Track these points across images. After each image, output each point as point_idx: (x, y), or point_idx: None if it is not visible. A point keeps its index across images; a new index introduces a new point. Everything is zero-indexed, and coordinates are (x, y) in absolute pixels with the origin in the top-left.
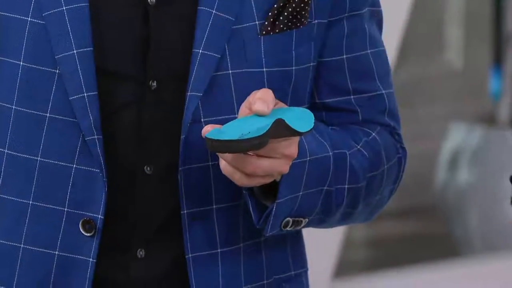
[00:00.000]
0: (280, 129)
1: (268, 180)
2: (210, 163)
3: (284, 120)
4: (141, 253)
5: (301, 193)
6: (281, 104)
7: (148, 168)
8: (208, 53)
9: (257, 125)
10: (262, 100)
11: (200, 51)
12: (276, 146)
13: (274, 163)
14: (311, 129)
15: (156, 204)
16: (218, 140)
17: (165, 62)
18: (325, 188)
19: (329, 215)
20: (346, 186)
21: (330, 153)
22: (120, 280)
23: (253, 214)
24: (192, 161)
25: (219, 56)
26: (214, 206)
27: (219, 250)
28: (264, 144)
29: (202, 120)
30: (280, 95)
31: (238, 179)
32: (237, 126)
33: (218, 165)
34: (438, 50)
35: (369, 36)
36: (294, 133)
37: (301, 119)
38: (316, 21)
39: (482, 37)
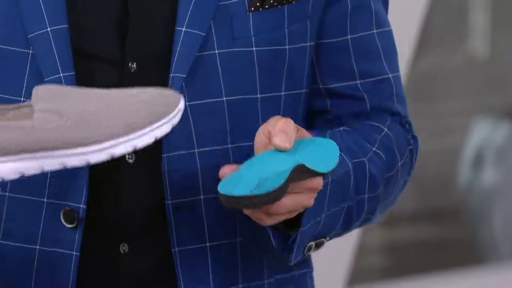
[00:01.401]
0: (301, 174)
1: (292, 215)
2: (196, 150)
3: (305, 165)
4: (124, 247)
5: (323, 215)
6: (303, 133)
7: (129, 156)
8: (192, 31)
9: (277, 167)
10: (283, 133)
11: (183, 29)
12: (299, 182)
13: (298, 199)
14: (335, 168)
15: (140, 195)
16: (233, 196)
17: (145, 41)
18: (347, 203)
19: (349, 228)
20: (366, 196)
21: (350, 167)
22: (105, 277)
23: (274, 244)
24: (176, 147)
25: (204, 34)
26: (202, 197)
27: (208, 244)
28: (283, 193)
29: (186, 103)
30: (274, 77)
31: (260, 219)
32: (255, 168)
33: (205, 152)
34: (460, 38)
35: (375, 15)
36: (317, 174)
37: (325, 153)
38: None
39: (510, 23)
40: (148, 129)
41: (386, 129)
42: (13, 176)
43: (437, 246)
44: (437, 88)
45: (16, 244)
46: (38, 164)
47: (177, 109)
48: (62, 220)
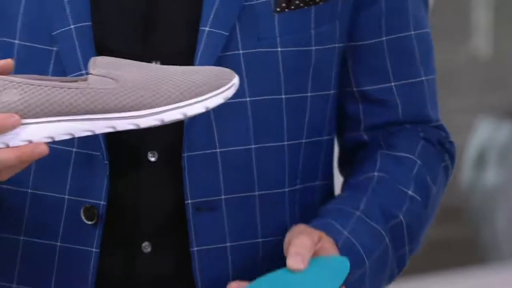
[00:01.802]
0: None
1: None
2: (218, 150)
3: None
4: (146, 247)
5: None
6: (323, 249)
7: (151, 154)
8: (216, 31)
9: None
10: (298, 255)
11: (207, 28)
12: None
13: None
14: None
15: (161, 194)
16: None
17: (169, 40)
18: (387, 268)
19: (395, 277)
20: (407, 248)
21: (386, 238)
22: (125, 275)
23: None
24: (197, 147)
25: (227, 34)
26: (222, 197)
27: (228, 244)
28: None
29: None
30: (299, 77)
31: None
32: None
33: (227, 152)
34: (463, 37)
35: (413, 16)
36: None
37: (334, 272)
38: None
39: None
40: (200, 98)
41: (418, 161)
42: (64, 136)
43: (439, 246)
44: (439, 87)
45: (37, 240)
46: (89, 126)
47: (231, 83)
48: (82, 217)
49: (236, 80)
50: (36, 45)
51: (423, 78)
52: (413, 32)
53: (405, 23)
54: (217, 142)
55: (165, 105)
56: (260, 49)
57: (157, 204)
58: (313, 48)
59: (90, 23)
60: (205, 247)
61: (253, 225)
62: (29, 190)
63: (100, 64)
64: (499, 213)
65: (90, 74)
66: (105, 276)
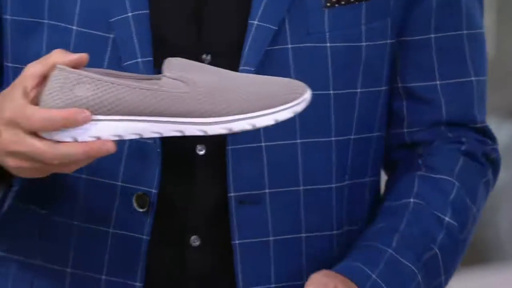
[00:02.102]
0: None
1: None
2: (263, 144)
3: None
4: (195, 240)
5: None
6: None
7: (200, 148)
8: (264, 24)
9: None
10: None
11: (256, 22)
12: None
13: None
14: None
15: (208, 187)
16: None
17: (218, 33)
18: None
19: None
20: (443, 278)
21: (419, 275)
22: (173, 265)
23: None
24: (242, 141)
25: (276, 28)
26: (267, 190)
27: (271, 238)
28: None
29: None
30: (348, 73)
31: None
32: None
33: (272, 146)
34: None
35: (466, 15)
36: None
37: None
38: None
39: None
40: (270, 110)
41: (457, 182)
42: (132, 136)
43: None
44: None
45: (90, 226)
46: (158, 128)
47: (302, 98)
48: (134, 204)
49: (308, 95)
50: (93, 31)
51: (473, 78)
52: (465, 32)
53: (457, 22)
54: (262, 136)
55: (234, 114)
56: (309, 44)
57: (204, 197)
58: (364, 44)
59: (147, 11)
60: (247, 240)
61: (297, 219)
62: (83, 176)
63: (174, 66)
64: (502, 213)
65: (164, 75)
66: (154, 266)
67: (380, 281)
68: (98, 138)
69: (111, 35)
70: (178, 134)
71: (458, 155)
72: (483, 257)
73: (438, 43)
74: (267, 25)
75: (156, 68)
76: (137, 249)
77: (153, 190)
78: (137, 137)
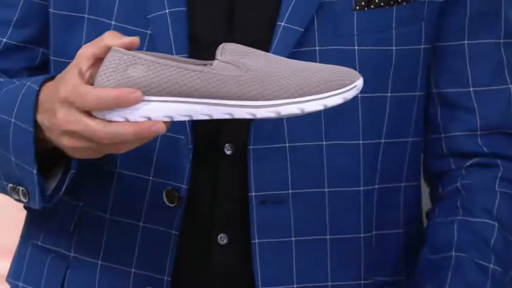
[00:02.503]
0: None
1: None
2: (287, 144)
3: None
4: (223, 238)
5: None
6: None
7: (228, 146)
8: (291, 26)
9: None
10: None
11: (283, 23)
12: None
13: None
14: None
15: (234, 186)
16: None
17: (249, 34)
18: None
19: None
20: None
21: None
22: (200, 261)
23: None
24: (264, 140)
25: (302, 30)
26: (290, 191)
27: (293, 239)
28: None
29: None
30: (378, 77)
31: None
32: None
33: (296, 147)
34: None
35: (505, 22)
36: None
37: None
38: None
39: None
40: (319, 95)
41: (496, 223)
42: (182, 118)
43: None
44: None
45: (121, 219)
46: (208, 110)
47: (353, 84)
48: (165, 199)
49: (359, 82)
50: (131, 27)
51: (510, 85)
52: (502, 41)
53: (493, 29)
54: (286, 136)
55: (284, 98)
56: (337, 47)
57: (230, 196)
58: (393, 48)
59: (184, 8)
60: (268, 239)
61: (322, 221)
62: (116, 169)
63: (228, 51)
64: None
65: (217, 59)
66: (181, 260)
67: None
68: (149, 119)
69: (148, 31)
70: (228, 116)
71: (494, 185)
72: None
73: (471, 50)
74: (294, 26)
75: None
76: (167, 243)
77: (183, 186)
78: (187, 118)
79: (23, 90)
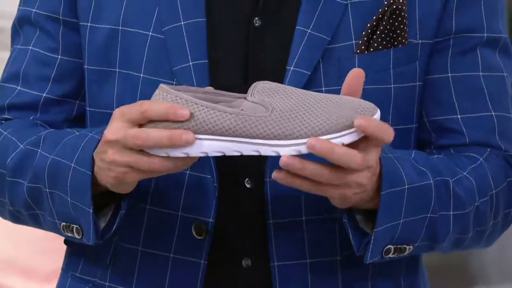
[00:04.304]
0: None
1: (347, 192)
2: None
3: None
4: (247, 262)
5: (401, 221)
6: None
7: (248, 181)
8: (299, 70)
9: None
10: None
11: (292, 68)
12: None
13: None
14: None
15: (255, 215)
16: None
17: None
18: (429, 215)
19: (437, 242)
20: (452, 213)
21: (431, 181)
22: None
23: (352, 241)
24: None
25: (309, 73)
26: (303, 218)
27: (308, 261)
28: None
29: None
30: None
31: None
32: None
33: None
34: None
35: (482, 60)
36: None
37: None
38: (420, 41)
39: None
40: (337, 134)
41: (481, 159)
42: (216, 154)
43: (431, 271)
44: None
45: (153, 251)
46: (239, 147)
47: None
48: (193, 232)
49: (377, 116)
50: (158, 78)
51: (493, 113)
52: (481, 73)
53: (472, 64)
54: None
55: (303, 138)
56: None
57: (250, 223)
58: (392, 86)
59: (206, 60)
60: (285, 262)
61: (333, 244)
62: (148, 206)
63: (258, 90)
64: None
65: (246, 99)
66: (211, 286)
67: (396, 161)
68: (187, 155)
69: (174, 82)
70: (256, 153)
71: (486, 149)
72: (468, 282)
73: (455, 81)
74: (302, 70)
75: None
76: (196, 273)
77: (210, 220)
78: (220, 154)
79: (86, 139)
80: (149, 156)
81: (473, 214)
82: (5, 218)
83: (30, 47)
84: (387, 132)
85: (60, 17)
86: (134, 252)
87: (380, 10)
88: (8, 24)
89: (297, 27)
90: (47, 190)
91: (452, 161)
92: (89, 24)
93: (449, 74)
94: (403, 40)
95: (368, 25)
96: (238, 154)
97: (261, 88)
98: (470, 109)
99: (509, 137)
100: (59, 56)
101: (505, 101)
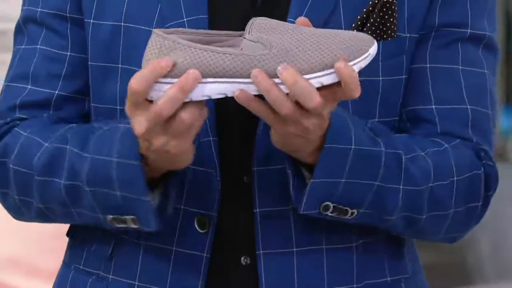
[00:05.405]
0: None
1: (290, 129)
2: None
3: None
4: (245, 259)
5: (343, 180)
6: None
7: (246, 178)
8: None
9: None
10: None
11: None
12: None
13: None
14: None
15: (251, 209)
16: None
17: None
18: (376, 183)
19: (384, 214)
20: (401, 187)
21: (383, 150)
22: (229, 281)
23: (292, 192)
24: (265, 162)
25: None
26: (290, 207)
27: (294, 249)
28: None
29: None
30: (367, 104)
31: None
32: None
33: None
34: None
35: (463, 54)
36: None
37: None
38: (408, 35)
39: None
40: (319, 73)
41: (447, 145)
42: (218, 96)
43: (429, 270)
44: None
45: (156, 244)
46: (242, 87)
47: (366, 54)
48: (196, 226)
49: (372, 50)
50: None
51: (468, 106)
52: (460, 67)
53: (451, 57)
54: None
55: (303, 74)
56: None
57: (249, 218)
58: (380, 78)
59: None
60: (271, 250)
61: (319, 233)
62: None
63: (255, 28)
64: (482, 236)
65: (245, 38)
66: (213, 279)
67: (348, 120)
68: (190, 99)
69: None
70: (256, 92)
71: (456, 139)
72: (464, 280)
73: (432, 72)
74: None
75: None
76: (198, 266)
77: (213, 213)
78: (223, 96)
79: (120, 132)
80: (175, 117)
81: (428, 195)
82: (28, 216)
83: (38, 46)
84: (357, 88)
85: (68, 15)
86: (137, 245)
87: (370, 2)
88: (10, 27)
89: (288, 19)
90: (88, 189)
91: (413, 140)
92: (91, 21)
93: (428, 65)
94: (393, 33)
95: (358, 17)
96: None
97: (258, 25)
98: (445, 101)
99: (482, 131)
100: (69, 53)
101: (484, 97)
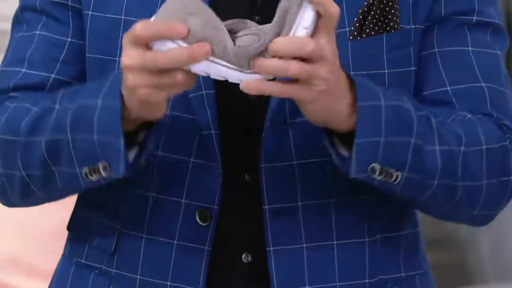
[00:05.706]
0: None
1: (314, 90)
2: (294, 162)
3: None
4: (247, 257)
5: (382, 139)
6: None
7: (247, 176)
8: None
9: None
10: None
11: None
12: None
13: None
14: None
15: (252, 205)
16: None
17: None
18: (413, 140)
19: (427, 177)
20: (438, 147)
21: (412, 108)
22: (230, 276)
23: (336, 160)
24: (274, 159)
25: None
26: (299, 203)
27: (304, 245)
28: None
29: (288, 120)
30: None
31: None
32: None
33: (303, 164)
34: None
35: (472, 37)
36: None
37: None
38: (413, 26)
39: None
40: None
41: (471, 116)
42: (218, 78)
43: (431, 269)
44: None
45: (158, 238)
46: (241, 76)
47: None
48: (197, 219)
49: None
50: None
51: (483, 84)
52: (470, 48)
53: (460, 40)
54: (293, 154)
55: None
56: None
57: (254, 214)
58: (386, 71)
59: (214, 91)
60: (281, 247)
61: (329, 229)
62: (153, 194)
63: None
64: (482, 236)
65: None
66: (215, 273)
67: (368, 81)
68: (189, 69)
69: None
70: (265, 79)
71: (477, 114)
72: (464, 280)
73: (442, 56)
74: None
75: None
76: (200, 259)
77: (215, 206)
78: (221, 79)
79: (109, 78)
80: (170, 72)
81: (462, 160)
82: (12, 194)
83: (37, 32)
84: (331, 2)
85: (69, 3)
86: (139, 239)
87: None
88: (10, 26)
89: None
90: (69, 137)
91: (441, 112)
92: (90, 13)
93: (436, 50)
94: (395, 25)
95: (360, 11)
96: (239, 82)
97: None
98: (459, 81)
99: (501, 107)
100: (69, 39)
101: (498, 76)
